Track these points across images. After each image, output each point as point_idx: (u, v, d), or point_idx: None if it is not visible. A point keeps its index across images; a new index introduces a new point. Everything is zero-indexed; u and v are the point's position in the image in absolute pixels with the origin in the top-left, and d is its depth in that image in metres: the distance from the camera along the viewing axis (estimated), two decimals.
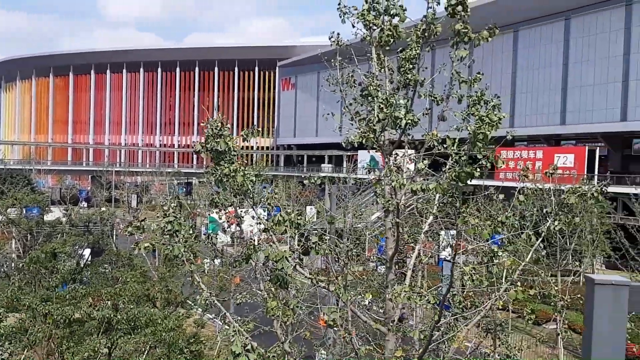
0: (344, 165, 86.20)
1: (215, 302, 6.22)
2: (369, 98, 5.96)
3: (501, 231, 6.29)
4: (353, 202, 38.48)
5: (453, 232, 38.66)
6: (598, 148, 55.06)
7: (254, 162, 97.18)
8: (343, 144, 6.48)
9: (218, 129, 5.86)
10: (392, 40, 6.06)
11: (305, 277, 6.15)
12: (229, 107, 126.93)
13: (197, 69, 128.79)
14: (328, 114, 6.92)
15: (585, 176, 50.47)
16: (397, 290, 5.17)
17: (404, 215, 6.10)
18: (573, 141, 62.06)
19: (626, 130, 56.69)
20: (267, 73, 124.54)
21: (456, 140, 5.43)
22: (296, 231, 5.46)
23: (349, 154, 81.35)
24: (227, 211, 7.48)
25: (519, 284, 5.86)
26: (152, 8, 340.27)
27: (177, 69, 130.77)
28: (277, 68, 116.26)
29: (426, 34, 5.72)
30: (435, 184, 4.95)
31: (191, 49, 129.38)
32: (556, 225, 5.63)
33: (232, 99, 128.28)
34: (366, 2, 6.29)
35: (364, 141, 6.00)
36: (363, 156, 76.66)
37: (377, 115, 5.63)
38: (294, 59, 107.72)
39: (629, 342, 27.38)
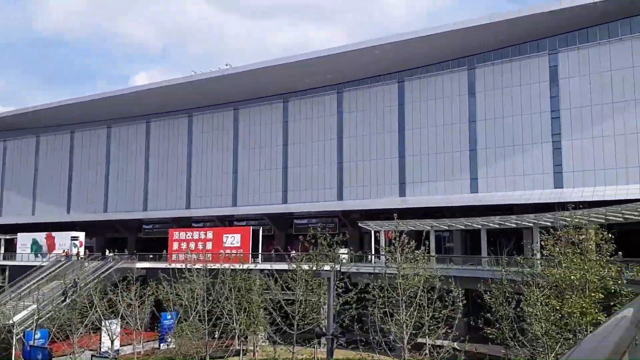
0: (2, 250, 74.61)
1: None
2: None
3: None
4: None
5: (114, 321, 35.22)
6: (261, 228, 58.99)
7: None
8: None
9: None
10: None
11: None
12: None
13: None
14: None
15: (250, 254, 53.17)
16: None
17: None
18: (245, 221, 65.61)
19: (287, 211, 62.70)
20: None
21: None
22: None
23: (6, 237, 71.15)
24: None
25: None
26: None
27: None
28: None
29: None
30: None
31: None
32: None
33: None
34: None
35: None
36: (24, 239, 67.44)
37: None
38: None
39: None
